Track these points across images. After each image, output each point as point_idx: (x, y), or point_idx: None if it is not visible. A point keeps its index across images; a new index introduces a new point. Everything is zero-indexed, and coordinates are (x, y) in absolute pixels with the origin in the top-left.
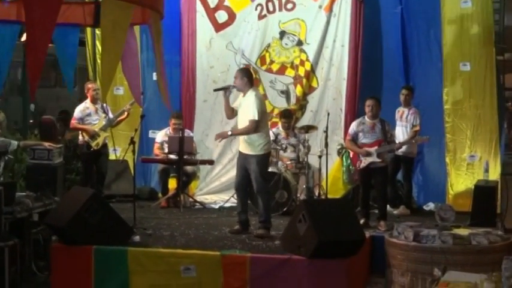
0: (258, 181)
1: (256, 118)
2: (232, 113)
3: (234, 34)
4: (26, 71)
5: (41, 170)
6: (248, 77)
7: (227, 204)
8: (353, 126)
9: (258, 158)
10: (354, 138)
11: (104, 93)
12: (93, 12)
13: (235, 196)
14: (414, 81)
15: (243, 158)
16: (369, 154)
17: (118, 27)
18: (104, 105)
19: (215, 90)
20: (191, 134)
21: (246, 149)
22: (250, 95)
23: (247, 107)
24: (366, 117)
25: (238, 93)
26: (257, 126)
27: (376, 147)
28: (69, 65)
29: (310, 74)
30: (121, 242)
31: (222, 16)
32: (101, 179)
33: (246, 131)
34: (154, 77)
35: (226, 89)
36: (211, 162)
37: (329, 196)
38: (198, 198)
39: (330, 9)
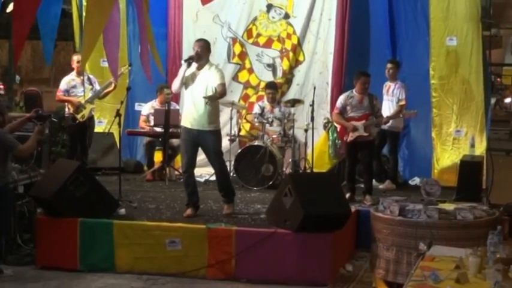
0: (219, 157)
1: (224, 82)
2: (182, 85)
3: (220, 7)
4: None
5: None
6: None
7: (213, 178)
8: (341, 99)
9: (215, 134)
10: (342, 112)
11: (83, 63)
12: None
13: None
14: (401, 56)
15: (193, 134)
16: (355, 129)
17: None
18: (91, 77)
19: (187, 60)
20: (177, 107)
21: (198, 125)
22: (212, 66)
23: (212, 76)
24: (354, 91)
25: None
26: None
27: (363, 121)
28: (50, 36)
29: (297, 47)
30: (106, 215)
31: None
32: (84, 151)
33: (222, 94)
34: None
35: (192, 59)
36: None
37: (315, 170)
38: None
39: None
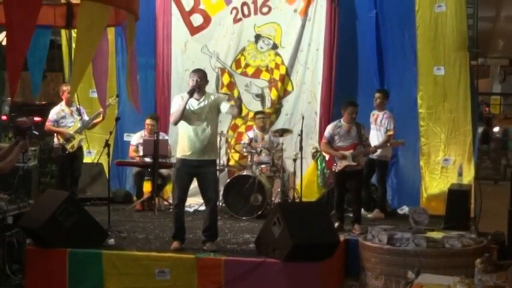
0: (217, 186)
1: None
2: (181, 118)
3: (209, 37)
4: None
5: (15, 173)
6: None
7: (202, 208)
8: (329, 129)
9: (215, 164)
10: (330, 142)
11: (72, 93)
12: (64, 13)
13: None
14: (389, 85)
15: (192, 165)
16: (344, 157)
17: (94, 29)
18: (79, 107)
19: (190, 92)
20: (166, 137)
21: (204, 155)
22: (211, 95)
23: (216, 101)
24: (342, 120)
25: None
26: None
27: (351, 151)
28: (38, 67)
29: (285, 77)
30: (95, 245)
31: (197, 19)
32: (74, 182)
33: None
34: None
35: (195, 90)
36: None
37: (303, 199)
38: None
39: (305, 13)
